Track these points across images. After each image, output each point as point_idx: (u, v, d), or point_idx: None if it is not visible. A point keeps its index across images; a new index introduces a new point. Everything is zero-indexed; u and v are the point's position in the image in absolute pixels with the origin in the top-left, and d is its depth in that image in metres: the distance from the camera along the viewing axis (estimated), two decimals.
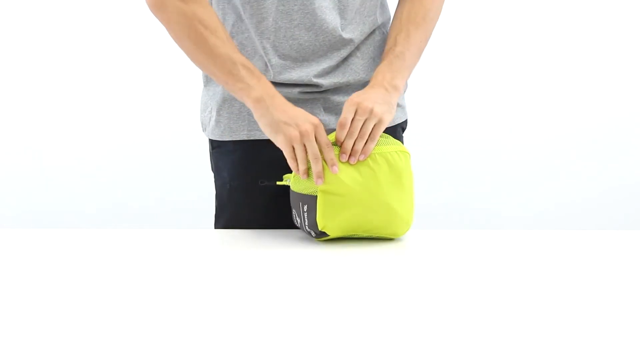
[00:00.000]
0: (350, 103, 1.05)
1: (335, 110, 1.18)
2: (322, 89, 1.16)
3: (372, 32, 1.21)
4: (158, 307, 0.78)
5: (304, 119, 1.03)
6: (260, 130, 1.15)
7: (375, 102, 1.05)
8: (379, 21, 1.22)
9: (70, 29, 2.39)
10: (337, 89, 1.18)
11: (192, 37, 1.09)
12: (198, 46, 1.09)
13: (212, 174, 1.27)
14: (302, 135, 1.02)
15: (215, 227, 1.25)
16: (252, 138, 1.18)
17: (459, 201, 2.49)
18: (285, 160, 1.10)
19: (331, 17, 1.14)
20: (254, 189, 1.19)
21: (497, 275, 0.91)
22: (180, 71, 2.26)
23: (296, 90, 1.16)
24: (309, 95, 1.17)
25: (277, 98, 1.07)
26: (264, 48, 1.14)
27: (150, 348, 0.66)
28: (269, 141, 1.16)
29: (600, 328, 0.70)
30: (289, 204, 1.13)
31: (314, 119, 1.04)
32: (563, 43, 2.44)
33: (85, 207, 2.44)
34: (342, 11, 1.15)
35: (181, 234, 1.14)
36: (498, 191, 2.50)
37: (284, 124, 1.04)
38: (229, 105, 1.19)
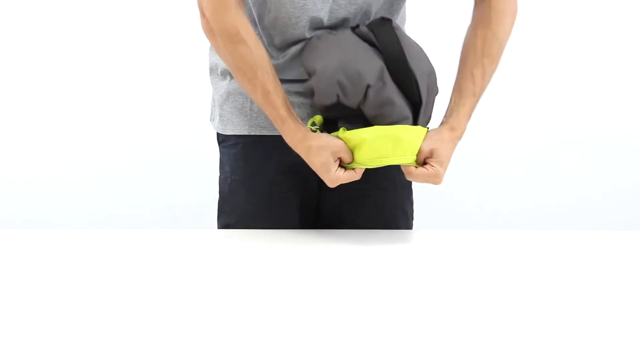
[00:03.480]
0: (426, 174, 1.07)
1: None
2: None
3: None
4: (160, 308, 0.79)
5: (322, 171, 1.07)
6: (261, 126, 1.18)
7: (444, 165, 1.08)
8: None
9: (76, 26, 2.38)
10: None
11: (235, 66, 1.08)
12: (240, 74, 1.09)
13: (214, 173, 1.28)
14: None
15: (218, 220, 1.26)
16: (252, 133, 1.19)
17: (459, 201, 2.49)
18: (285, 155, 1.13)
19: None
20: (254, 183, 1.20)
21: (497, 275, 0.91)
22: (183, 70, 2.27)
23: (296, 85, 1.16)
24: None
25: (299, 144, 1.08)
26: (272, 56, 1.15)
27: (152, 348, 0.66)
28: (269, 137, 1.18)
29: (601, 328, 0.71)
30: (290, 196, 1.14)
31: (328, 166, 1.06)
32: (563, 43, 2.44)
33: (87, 207, 2.44)
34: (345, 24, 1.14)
35: (184, 234, 1.14)
36: (498, 191, 2.50)
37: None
38: (232, 100, 1.20)
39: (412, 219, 1.28)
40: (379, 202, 1.23)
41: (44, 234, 1.15)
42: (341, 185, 1.11)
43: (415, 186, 1.31)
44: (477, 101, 1.15)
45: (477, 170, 2.49)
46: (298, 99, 1.17)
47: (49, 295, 0.82)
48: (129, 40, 2.36)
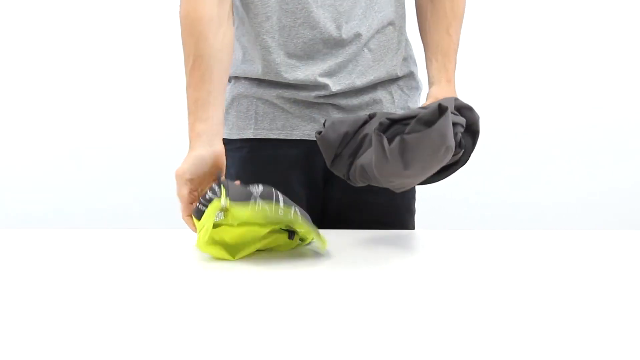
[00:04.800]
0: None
1: (345, 110, 1.19)
2: (330, 93, 1.17)
3: (383, 28, 1.19)
4: (161, 308, 0.79)
5: (178, 182, 1.03)
6: (266, 129, 1.18)
7: None
8: (392, 17, 1.20)
9: (80, 27, 2.39)
10: (346, 93, 1.18)
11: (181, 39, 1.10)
12: (183, 50, 1.11)
13: None
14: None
15: None
16: (258, 137, 1.20)
17: (459, 201, 2.49)
18: (292, 157, 1.16)
19: (334, 16, 1.14)
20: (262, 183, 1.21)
21: (498, 275, 0.91)
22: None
23: (304, 93, 1.17)
24: (321, 99, 1.18)
25: (190, 140, 1.09)
26: (269, 47, 1.15)
27: (152, 349, 0.66)
28: (275, 140, 1.19)
29: (600, 328, 0.71)
30: (296, 198, 1.15)
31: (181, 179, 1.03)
32: (562, 42, 2.44)
33: (89, 207, 2.44)
34: (345, 9, 1.14)
35: (186, 234, 1.14)
36: (498, 191, 2.50)
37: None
38: (237, 104, 1.21)
39: (415, 213, 1.29)
40: (386, 206, 1.23)
41: (44, 234, 1.15)
42: (345, 187, 1.14)
43: (418, 187, 1.31)
44: (456, 55, 1.18)
45: (477, 170, 2.49)
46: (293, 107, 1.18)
47: (49, 296, 0.82)
48: (135, 45, 2.37)
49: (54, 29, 2.38)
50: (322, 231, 1.16)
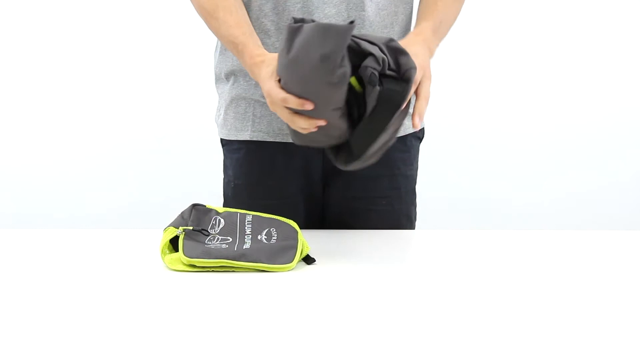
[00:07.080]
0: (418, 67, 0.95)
1: None
2: None
3: (388, 16, 1.16)
4: (160, 309, 0.79)
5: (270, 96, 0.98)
6: (264, 132, 1.18)
7: (428, 63, 1.01)
8: (396, 3, 1.17)
9: (79, 28, 2.39)
10: None
11: (199, 6, 1.11)
12: (204, 13, 1.11)
13: (216, 175, 1.29)
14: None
15: None
16: (254, 139, 1.19)
17: (459, 201, 2.49)
18: (289, 161, 1.15)
19: (334, 2, 1.12)
20: (257, 187, 1.20)
21: (497, 275, 0.91)
22: (188, 70, 2.27)
23: None
24: None
25: (255, 69, 1.04)
26: (267, 31, 1.14)
27: (148, 348, 0.66)
28: (272, 142, 1.18)
29: (600, 328, 0.71)
30: (293, 202, 1.16)
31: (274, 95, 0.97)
32: (563, 43, 2.44)
33: (89, 208, 2.44)
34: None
35: None
36: (498, 191, 2.50)
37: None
38: (235, 105, 1.21)
39: (415, 220, 1.29)
40: (383, 213, 1.23)
41: (41, 234, 1.15)
42: (344, 194, 1.16)
43: (418, 187, 1.30)
44: (441, 28, 1.11)
45: (478, 170, 2.49)
46: None
47: (49, 296, 0.82)
48: (135, 45, 2.37)
49: (53, 29, 2.38)
50: (320, 231, 1.16)
